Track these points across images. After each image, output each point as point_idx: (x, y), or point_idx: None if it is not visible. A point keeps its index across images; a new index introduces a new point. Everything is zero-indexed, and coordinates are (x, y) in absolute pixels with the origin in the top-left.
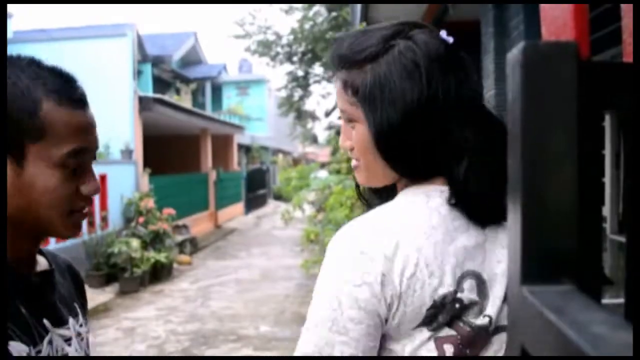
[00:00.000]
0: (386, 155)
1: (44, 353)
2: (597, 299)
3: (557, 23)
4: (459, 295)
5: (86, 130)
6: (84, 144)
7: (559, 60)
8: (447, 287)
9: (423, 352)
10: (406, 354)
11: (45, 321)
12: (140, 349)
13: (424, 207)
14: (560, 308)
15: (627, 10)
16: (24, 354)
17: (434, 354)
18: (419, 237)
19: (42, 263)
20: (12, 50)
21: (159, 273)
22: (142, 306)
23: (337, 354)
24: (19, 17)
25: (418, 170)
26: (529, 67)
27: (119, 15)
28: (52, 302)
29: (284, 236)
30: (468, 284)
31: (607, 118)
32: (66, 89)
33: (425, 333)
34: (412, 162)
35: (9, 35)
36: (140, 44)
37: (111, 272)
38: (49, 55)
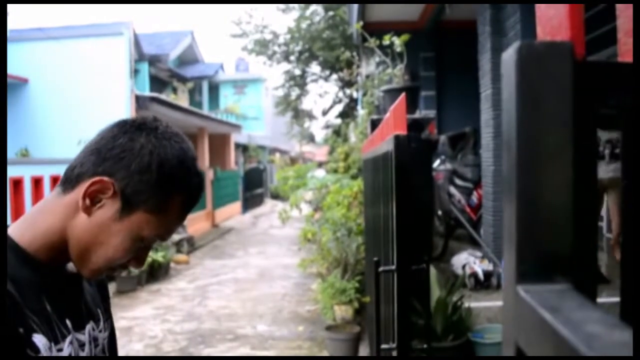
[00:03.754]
0: None
1: (65, 352)
2: (592, 298)
3: (553, 23)
4: None
5: (177, 227)
6: (167, 236)
7: (554, 60)
8: None
9: None
10: None
11: (68, 322)
12: (137, 349)
13: None
14: (555, 307)
15: (622, 10)
16: (47, 348)
17: None
18: None
19: (70, 265)
20: (10, 49)
21: (156, 272)
22: (139, 305)
23: None
24: (15, 16)
25: None
26: (525, 67)
27: (115, 14)
28: (77, 305)
29: (281, 235)
30: None
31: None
32: (198, 193)
33: None
34: None
35: None
36: (137, 43)
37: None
38: (46, 54)
